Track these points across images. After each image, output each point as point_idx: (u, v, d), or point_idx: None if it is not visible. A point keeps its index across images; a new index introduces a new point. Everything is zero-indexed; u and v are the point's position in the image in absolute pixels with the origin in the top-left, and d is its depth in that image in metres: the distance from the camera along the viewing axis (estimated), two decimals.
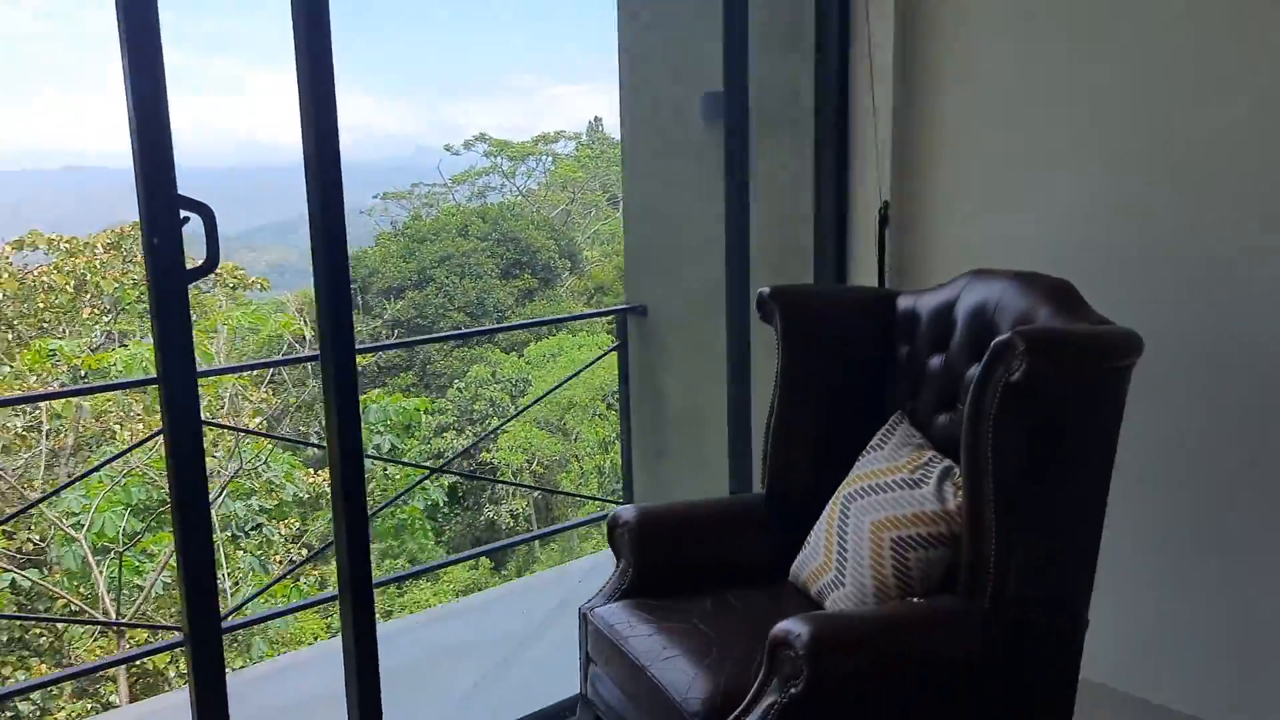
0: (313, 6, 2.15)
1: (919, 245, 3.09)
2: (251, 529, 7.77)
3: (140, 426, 8.08)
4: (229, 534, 7.67)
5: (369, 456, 6.81)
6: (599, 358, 5.95)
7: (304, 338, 10.24)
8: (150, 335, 2.25)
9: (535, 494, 12.86)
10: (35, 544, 7.74)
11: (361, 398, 8.25)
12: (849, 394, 2.55)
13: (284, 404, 9.60)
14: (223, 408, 8.52)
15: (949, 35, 2.96)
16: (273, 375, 9.45)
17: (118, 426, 8.28)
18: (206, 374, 7.26)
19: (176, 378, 2.19)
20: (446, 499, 12.55)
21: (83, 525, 6.99)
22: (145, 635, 7.51)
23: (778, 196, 3.35)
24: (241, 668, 6.98)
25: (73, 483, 7.25)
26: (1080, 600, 2.07)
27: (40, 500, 7.26)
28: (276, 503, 7.92)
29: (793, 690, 1.83)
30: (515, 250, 16.09)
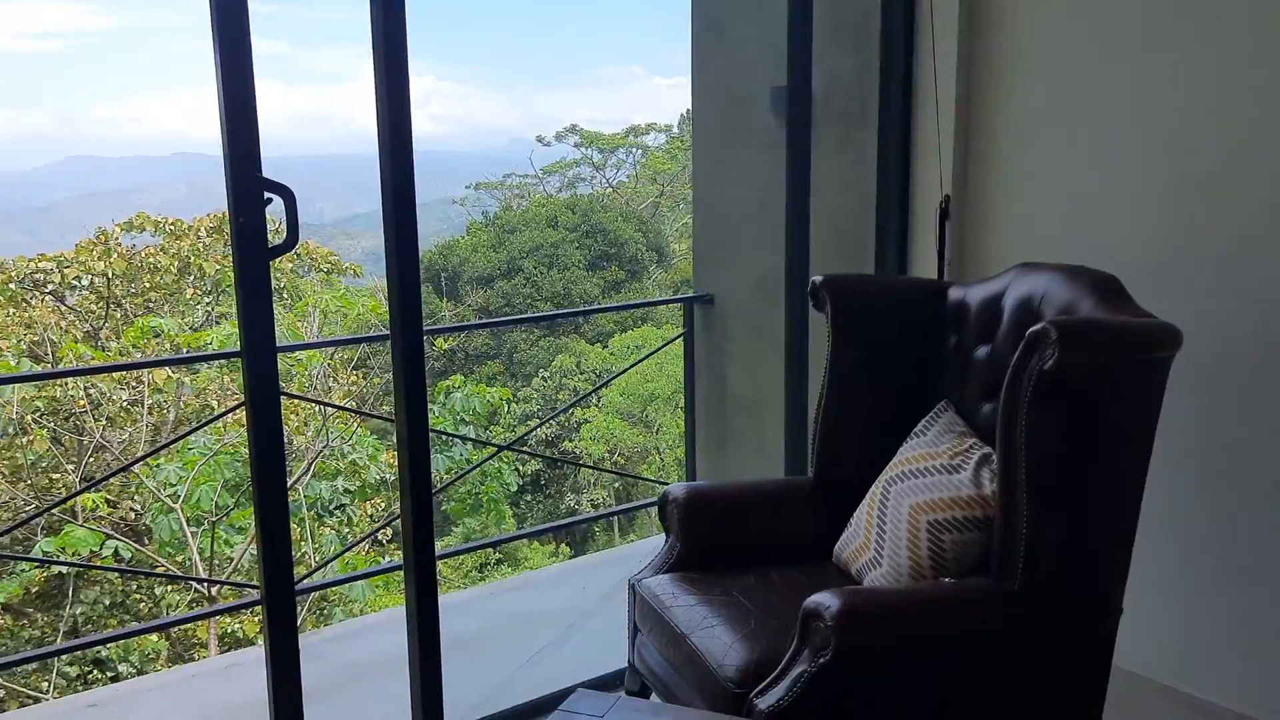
0: (389, 4, 2.27)
1: (979, 239, 3.12)
2: (335, 508, 8.05)
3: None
4: (314, 513, 7.96)
5: (434, 431, 6.99)
6: (664, 345, 6.05)
7: None
8: None
9: (616, 484, 13.03)
10: (136, 513, 8.14)
11: (444, 383, 8.51)
12: (897, 382, 2.61)
13: (372, 387, 9.90)
14: (313, 387, 8.83)
15: (1011, 32, 2.98)
16: (363, 359, 9.76)
17: (215, 403, 8.64)
18: (286, 349, 7.56)
19: (258, 349, 2.32)
20: (530, 486, 12.80)
21: (179, 497, 7.33)
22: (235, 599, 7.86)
23: (842, 189, 3.40)
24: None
25: (156, 451, 7.65)
26: (1113, 588, 2.10)
27: (130, 465, 7.65)
28: (360, 484, 8.18)
29: (822, 660, 1.91)
30: (603, 242, 16.25)
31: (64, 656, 7.38)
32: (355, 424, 8.49)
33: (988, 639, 2.03)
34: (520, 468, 11.49)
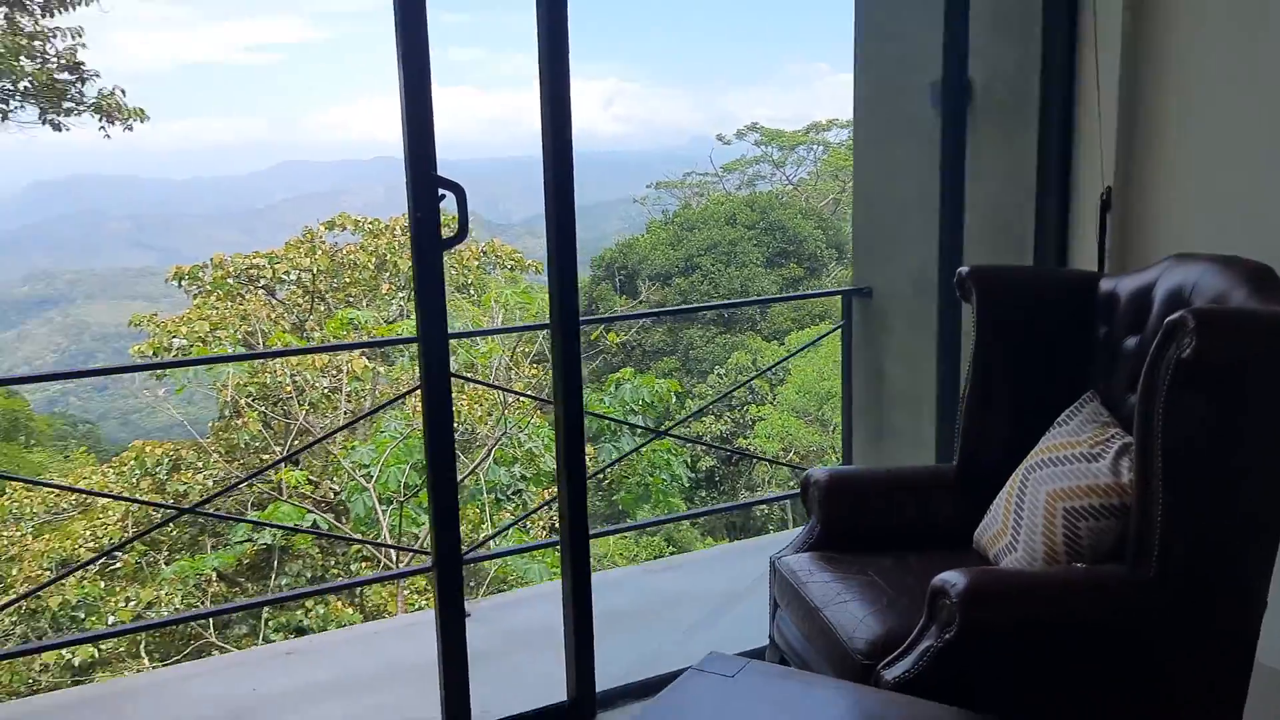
0: (553, 13, 2.44)
1: (1139, 231, 3.07)
2: (513, 493, 8.43)
3: None
4: (494, 496, 8.37)
5: (589, 414, 7.30)
6: (819, 339, 6.12)
7: None
8: None
9: (791, 482, 13.02)
10: (335, 492, 8.76)
11: (614, 375, 8.78)
12: (1043, 372, 2.61)
13: (550, 379, 10.25)
14: (494, 378, 9.24)
15: (1175, 20, 2.92)
16: (542, 353, 10.14)
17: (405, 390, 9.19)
18: (456, 335, 7.97)
19: (431, 334, 2.55)
20: (704, 482, 12.95)
21: (372, 477, 7.85)
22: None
23: (1003, 181, 3.40)
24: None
25: (343, 429, 8.34)
26: (1256, 581, 2.07)
27: (320, 440, 8.30)
28: (535, 472, 8.54)
29: (947, 635, 1.97)
30: (782, 239, 16.25)
31: (270, 625, 8.06)
32: (533, 414, 8.85)
33: (1119, 625, 2.04)
34: (692, 463, 11.64)
